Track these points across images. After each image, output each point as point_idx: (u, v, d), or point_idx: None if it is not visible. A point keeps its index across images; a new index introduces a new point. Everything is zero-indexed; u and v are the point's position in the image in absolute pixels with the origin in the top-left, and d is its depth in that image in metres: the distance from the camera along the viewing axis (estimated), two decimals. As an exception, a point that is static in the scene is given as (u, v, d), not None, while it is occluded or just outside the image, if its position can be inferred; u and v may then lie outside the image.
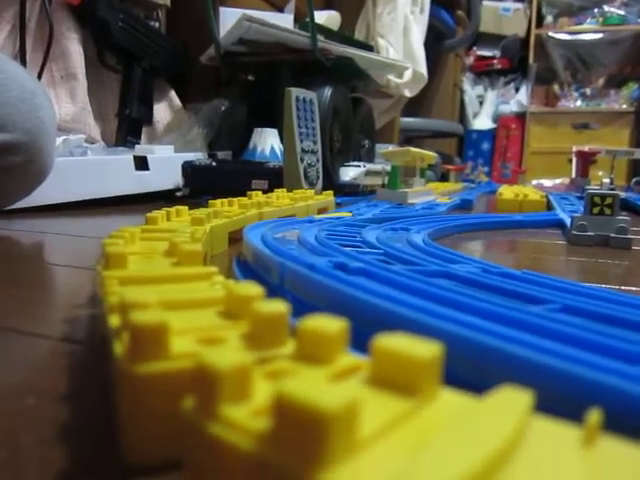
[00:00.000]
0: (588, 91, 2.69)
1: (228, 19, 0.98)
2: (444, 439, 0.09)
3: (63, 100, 0.90)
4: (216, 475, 0.10)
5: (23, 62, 0.82)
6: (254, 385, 0.10)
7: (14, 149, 0.53)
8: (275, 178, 0.81)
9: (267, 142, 0.97)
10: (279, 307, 0.13)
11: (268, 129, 0.98)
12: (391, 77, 1.35)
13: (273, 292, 0.24)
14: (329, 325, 0.12)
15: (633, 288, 0.34)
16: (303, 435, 0.08)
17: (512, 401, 0.10)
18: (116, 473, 0.13)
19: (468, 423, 0.09)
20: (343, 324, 0.12)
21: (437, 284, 0.22)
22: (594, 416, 0.09)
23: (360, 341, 0.16)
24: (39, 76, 0.83)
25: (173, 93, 1.16)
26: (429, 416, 0.10)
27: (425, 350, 0.10)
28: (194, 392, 0.10)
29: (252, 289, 0.15)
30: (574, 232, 0.53)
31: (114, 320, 0.15)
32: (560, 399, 0.13)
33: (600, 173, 1.66)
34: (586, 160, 1.26)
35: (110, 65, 1.00)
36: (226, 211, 0.45)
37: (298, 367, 0.12)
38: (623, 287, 0.34)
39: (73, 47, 0.91)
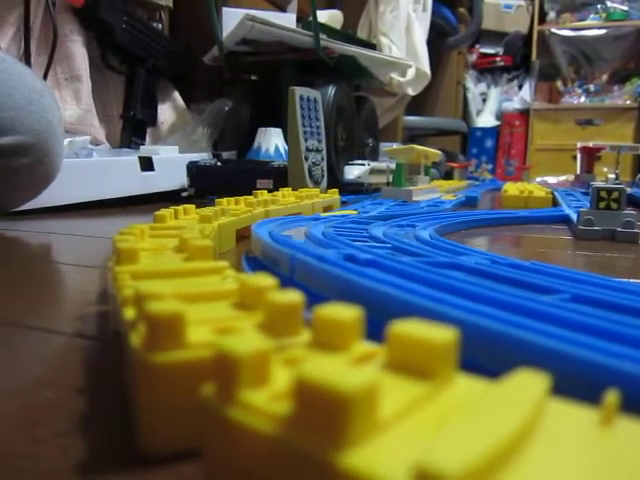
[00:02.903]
0: (592, 87, 2.68)
1: (231, 19, 0.99)
2: (463, 420, 0.09)
3: (68, 102, 0.90)
4: (237, 460, 0.10)
5: (28, 65, 0.82)
6: (273, 371, 0.11)
7: (23, 151, 0.53)
8: (280, 177, 0.81)
9: (271, 141, 0.97)
10: (294, 296, 0.13)
11: (272, 128, 0.98)
12: (394, 75, 1.35)
13: (283, 285, 0.24)
14: (345, 313, 0.12)
15: (641, 280, 0.34)
16: (324, 417, 0.08)
17: (529, 383, 0.10)
18: (134, 463, 0.13)
19: (487, 405, 0.09)
20: (358, 312, 0.12)
21: (447, 274, 0.22)
22: (611, 397, 0.09)
23: (371, 331, 0.16)
24: (44, 78, 0.84)
25: (177, 94, 1.17)
26: (446, 399, 0.10)
27: (441, 334, 0.10)
28: (214, 378, 0.10)
29: (266, 280, 0.16)
30: (581, 226, 0.53)
31: (129, 313, 0.15)
32: (574, 386, 0.13)
33: (605, 169, 1.66)
34: (591, 156, 1.26)
35: (114, 67, 1.00)
36: (233, 209, 0.45)
37: (315, 354, 0.12)
38: (631, 280, 0.34)
39: (77, 49, 0.92)
